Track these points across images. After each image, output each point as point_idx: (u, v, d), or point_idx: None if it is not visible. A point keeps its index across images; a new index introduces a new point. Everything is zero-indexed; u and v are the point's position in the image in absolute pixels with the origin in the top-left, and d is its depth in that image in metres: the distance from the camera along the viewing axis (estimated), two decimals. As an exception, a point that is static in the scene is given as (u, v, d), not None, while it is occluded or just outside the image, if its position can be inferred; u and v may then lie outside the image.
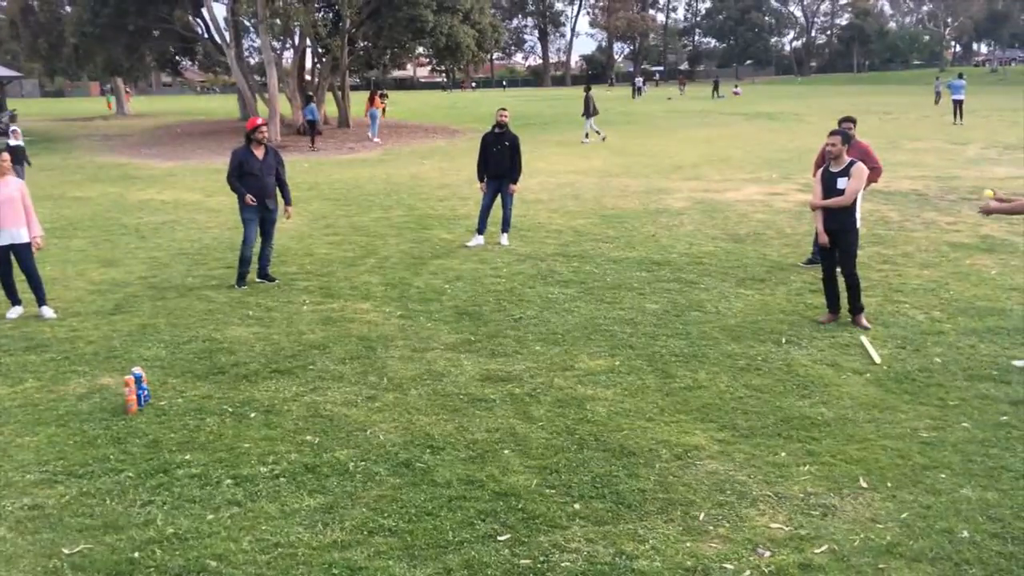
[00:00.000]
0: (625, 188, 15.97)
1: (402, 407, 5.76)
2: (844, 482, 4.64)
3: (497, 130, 10.91)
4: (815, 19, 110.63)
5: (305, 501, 4.50)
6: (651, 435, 5.25)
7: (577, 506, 4.41)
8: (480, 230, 11.05)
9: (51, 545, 4.09)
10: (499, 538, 4.12)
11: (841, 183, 7.21)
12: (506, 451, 5.06)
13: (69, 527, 4.25)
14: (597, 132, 26.62)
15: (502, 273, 9.50)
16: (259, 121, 8.96)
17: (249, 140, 8.88)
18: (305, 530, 4.21)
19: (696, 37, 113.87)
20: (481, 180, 11.08)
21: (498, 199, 11.04)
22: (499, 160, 10.84)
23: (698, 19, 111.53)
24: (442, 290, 8.82)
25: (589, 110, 26.60)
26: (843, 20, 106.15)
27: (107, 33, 28.73)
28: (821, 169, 7.52)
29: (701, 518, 4.30)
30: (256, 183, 8.78)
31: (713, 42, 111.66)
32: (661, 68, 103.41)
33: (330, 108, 35.24)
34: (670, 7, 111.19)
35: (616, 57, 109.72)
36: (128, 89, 60.14)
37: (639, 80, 65.36)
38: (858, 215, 7.29)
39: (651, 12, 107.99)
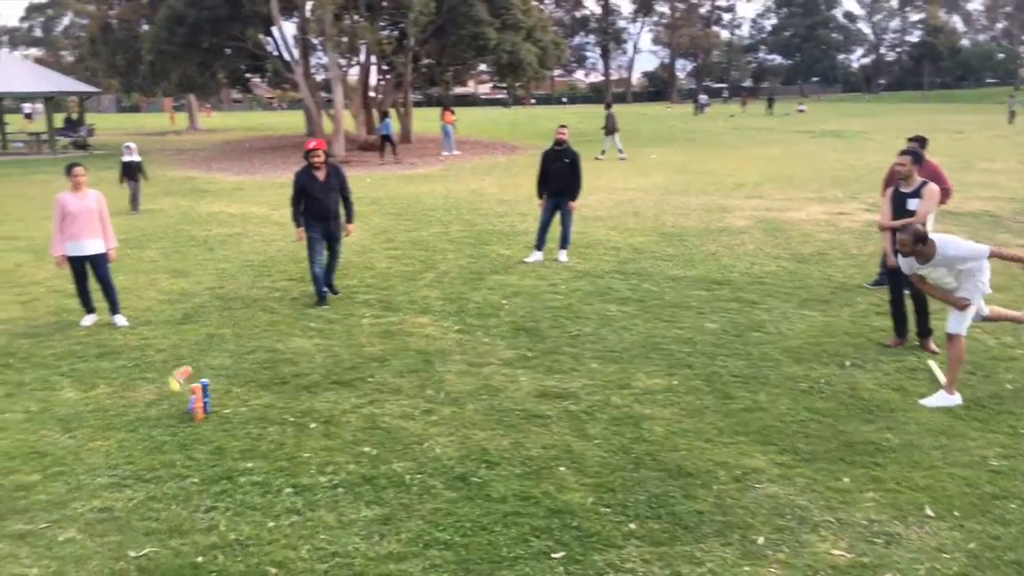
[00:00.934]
0: (685, 206, 15.85)
1: (459, 421, 5.80)
2: (909, 510, 4.53)
3: (557, 147, 10.95)
4: (884, 36, 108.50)
5: (362, 512, 4.56)
6: (709, 456, 5.19)
7: (633, 526, 4.38)
8: (539, 246, 11.09)
9: (119, 547, 4.21)
10: (553, 555, 4.12)
11: (912, 204, 7.06)
12: (562, 468, 5.05)
13: (136, 530, 4.38)
14: (619, 151, 26.69)
15: (560, 289, 9.51)
16: (311, 144, 8.95)
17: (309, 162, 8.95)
18: (362, 540, 4.26)
19: (761, 54, 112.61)
20: (540, 197, 11.13)
21: (557, 216, 11.07)
22: (559, 177, 10.88)
23: (763, 36, 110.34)
24: (500, 305, 8.86)
25: (610, 127, 26.79)
26: (914, 37, 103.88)
27: (182, 51, 29.64)
28: (891, 189, 7.37)
29: (760, 542, 4.23)
30: (318, 205, 8.84)
31: (778, 59, 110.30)
32: (725, 85, 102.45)
33: (393, 124, 35.74)
34: (735, 24, 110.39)
35: (678, 74, 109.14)
36: (207, 105, 62.01)
37: (703, 97, 64.87)
38: (928, 237, 7.12)
39: (715, 29, 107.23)
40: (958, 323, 6.12)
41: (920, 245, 6.02)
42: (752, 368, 6.79)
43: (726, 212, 15.01)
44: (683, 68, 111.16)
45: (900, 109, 58.58)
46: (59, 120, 38.34)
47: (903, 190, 7.17)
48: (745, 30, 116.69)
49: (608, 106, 29.07)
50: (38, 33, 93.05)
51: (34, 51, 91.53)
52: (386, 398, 6.26)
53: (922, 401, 6.05)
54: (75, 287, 8.32)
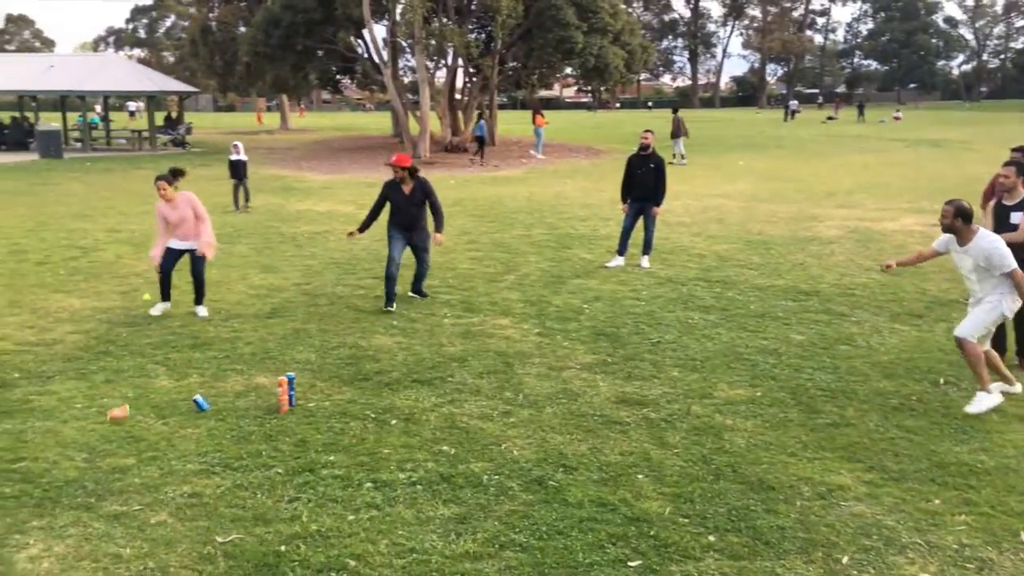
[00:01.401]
0: (773, 214, 15.53)
1: (536, 424, 5.80)
2: (1003, 535, 4.33)
3: (642, 152, 10.86)
4: (987, 42, 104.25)
5: (440, 510, 4.60)
6: (792, 471, 5.07)
7: (712, 538, 4.31)
8: (621, 251, 11.02)
9: (206, 532, 4.36)
10: (630, 564, 4.08)
11: (1015, 217, 6.75)
12: (640, 476, 5.01)
13: (223, 517, 4.52)
14: (681, 156, 26.71)
15: (641, 296, 9.43)
16: (393, 159, 8.81)
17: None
18: (439, 538, 4.31)
19: (855, 59, 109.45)
20: (624, 201, 11.06)
21: (640, 221, 10.98)
22: (643, 182, 10.80)
23: (859, 40, 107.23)
24: (580, 310, 8.83)
25: (678, 131, 26.96)
26: (1018, 44, 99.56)
27: (277, 53, 30.50)
28: (993, 202, 7.07)
29: (844, 562, 4.11)
30: (402, 216, 8.82)
31: (874, 64, 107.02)
32: (816, 90, 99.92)
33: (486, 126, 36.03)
34: (829, 28, 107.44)
35: (769, 79, 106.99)
36: (301, 105, 63.71)
37: (793, 103, 63.44)
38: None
39: (808, 33, 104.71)
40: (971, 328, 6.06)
41: (960, 221, 5.96)
42: (840, 382, 6.60)
43: (815, 221, 14.65)
44: (773, 73, 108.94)
45: (1002, 118, 56.12)
46: (160, 118, 39.91)
47: (1006, 203, 6.86)
48: (840, 34, 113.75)
49: (675, 110, 29.43)
50: (142, 34, 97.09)
51: (137, 52, 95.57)
52: (465, 398, 6.31)
53: (967, 409, 5.96)
54: (160, 273, 8.61)
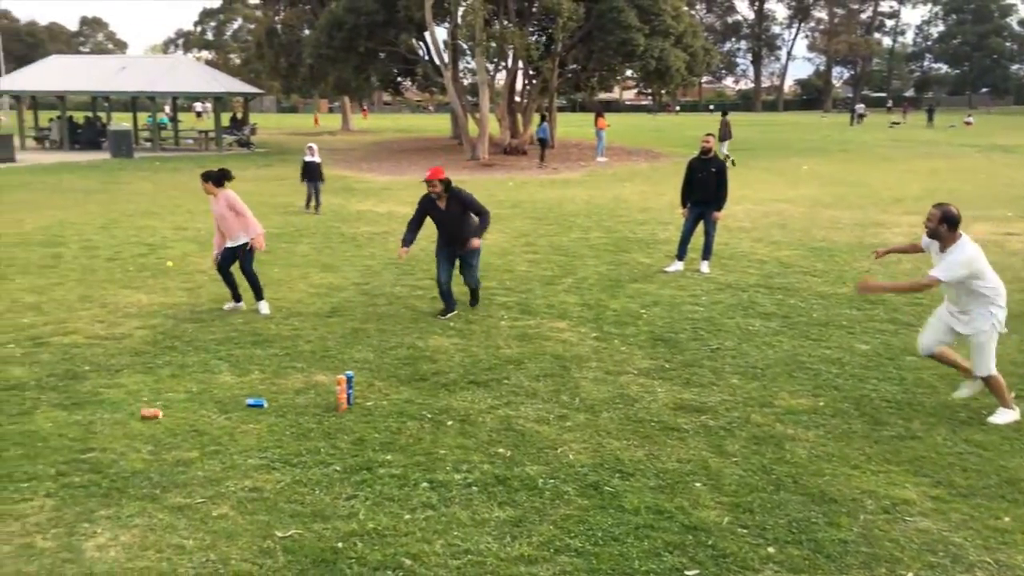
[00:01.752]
0: (837, 220, 15.21)
1: (593, 429, 5.77)
2: (1080, 559, 4.16)
3: (703, 156, 10.72)
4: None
5: (495, 512, 4.61)
6: (855, 484, 4.95)
7: (771, 550, 4.23)
8: (680, 256, 10.90)
9: (266, 527, 4.43)
10: (687, 573, 4.03)
11: None
12: (697, 484, 4.94)
13: (283, 512, 4.59)
14: (727, 156, 26.71)
15: (701, 301, 9.31)
16: (428, 175, 8.46)
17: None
18: (494, 540, 4.31)
19: (925, 63, 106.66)
20: (684, 206, 10.94)
21: (700, 226, 10.85)
22: (704, 186, 10.65)
23: (929, 43, 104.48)
24: (638, 314, 8.77)
25: (723, 134, 27.40)
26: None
27: (339, 55, 30.94)
28: None
29: (908, 579, 4.00)
30: (442, 230, 8.61)
31: (944, 68, 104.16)
32: (884, 94, 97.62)
33: (535, 129, 36.08)
34: (898, 31, 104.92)
35: (834, 82, 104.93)
36: (365, 107, 64.61)
37: (860, 106, 62.08)
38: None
39: (876, 36, 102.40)
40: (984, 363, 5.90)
41: (945, 227, 5.81)
42: (906, 394, 6.43)
43: (882, 228, 14.31)
44: (839, 76, 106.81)
45: (1081, 123, 54.14)
46: (225, 119, 40.81)
47: None
48: (909, 37, 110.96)
49: (724, 114, 29.74)
50: (210, 36, 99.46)
51: (205, 54, 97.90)
52: (521, 401, 6.30)
53: (990, 419, 5.90)
54: (219, 272, 8.92)
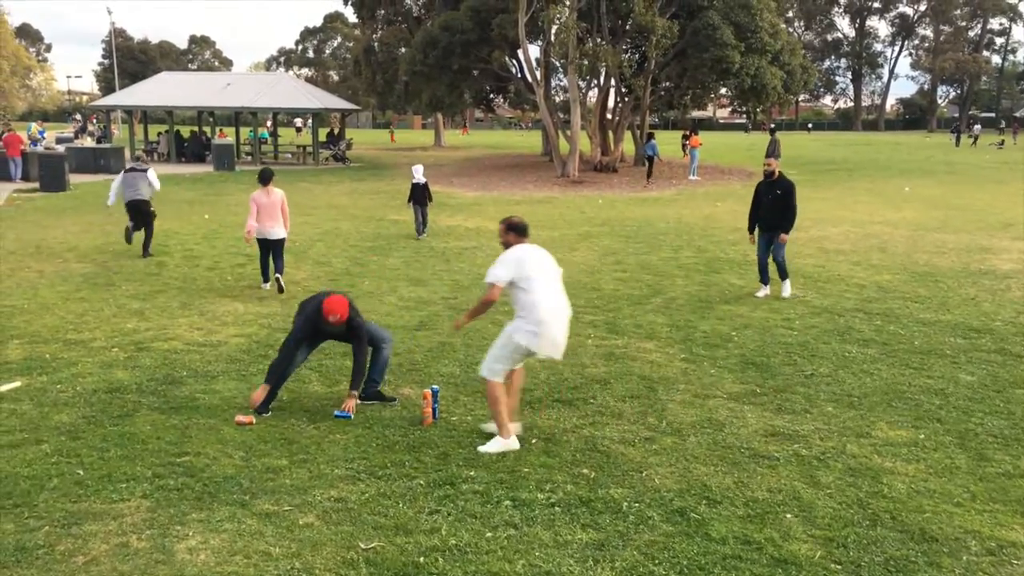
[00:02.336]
0: (941, 244, 14.60)
1: (680, 453, 5.65)
2: None
3: (768, 179, 10.49)
4: None
5: (578, 534, 4.54)
6: (958, 522, 4.69)
7: (866, 588, 4.04)
8: (763, 281, 10.61)
9: (350, 538, 4.47)
10: (775, 608, 3.88)
11: None
12: (788, 515, 4.77)
13: (366, 523, 4.63)
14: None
15: (794, 325, 9.05)
16: (328, 309, 6.30)
17: None
18: (576, 563, 4.24)
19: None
20: (751, 231, 10.66)
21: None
22: (771, 209, 10.40)
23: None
24: (729, 336, 8.57)
25: (772, 152, 26.93)
26: None
27: (433, 72, 31.45)
28: None
29: (1017, 628, 3.75)
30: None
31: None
32: (992, 114, 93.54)
33: (627, 146, 35.88)
34: (1009, 48, 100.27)
35: (939, 101, 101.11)
36: (466, 124, 65.77)
37: (977, 127, 59.71)
38: None
39: (985, 54, 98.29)
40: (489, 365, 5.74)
41: (506, 233, 5.90)
42: (1015, 429, 6.08)
43: (989, 253, 13.66)
44: (945, 95, 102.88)
45: None
46: (322, 134, 41.98)
47: None
48: (1021, 55, 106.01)
49: (773, 132, 30.06)
50: (310, 54, 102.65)
51: (305, 71, 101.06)
52: (607, 421, 6.22)
53: (481, 448, 5.63)
54: (260, 260, 10.87)
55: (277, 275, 10.64)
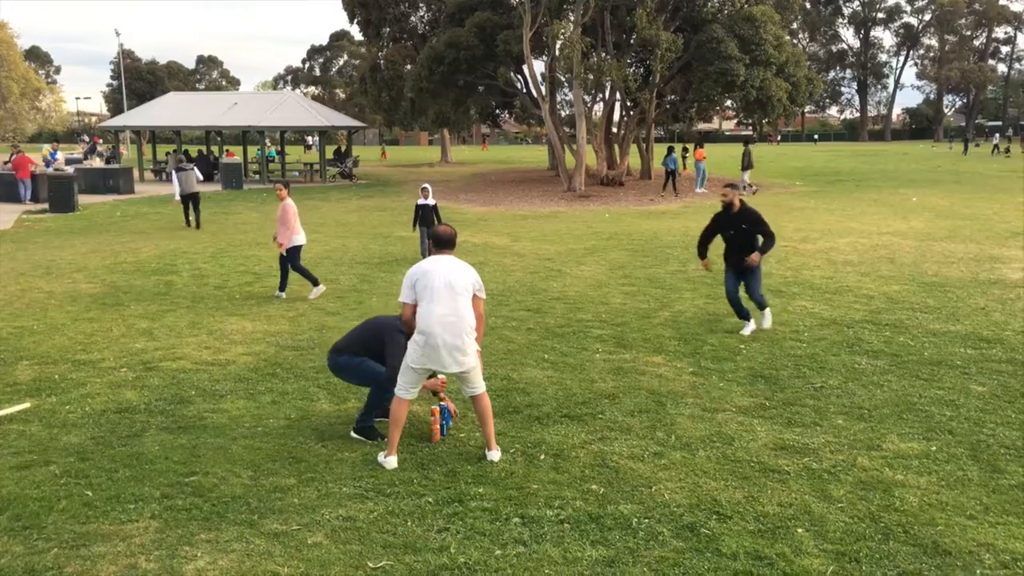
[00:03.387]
0: (950, 254, 14.54)
1: (689, 467, 5.62)
2: None
3: (728, 211, 9.15)
4: None
5: (587, 551, 4.51)
6: (971, 535, 4.65)
7: (879, 603, 4.00)
8: (743, 316, 9.32)
9: (359, 557, 4.45)
10: (788, 624, 3.84)
11: None
12: (799, 529, 4.73)
13: (375, 542, 4.61)
14: (748, 185, 27.95)
15: (803, 337, 9.01)
16: None
17: None
18: (586, 581, 4.21)
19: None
20: (702, 257, 9.58)
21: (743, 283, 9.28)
22: (737, 246, 9.14)
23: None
24: (737, 350, 8.54)
25: (744, 163, 28.52)
26: None
27: (439, 89, 31.61)
28: None
29: (1033, 643, 3.71)
30: None
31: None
32: (999, 123, 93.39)
33: (633, 160, 35.92)
34: (1014, 57, 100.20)
35: (945, 111, 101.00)
36: (485, 141, 66.22)
37: (996, 137, 60.11)
38: None
39: (991, 63, 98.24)
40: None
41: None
42: (1027, 440, 6.03)
43: (998, 263, 13.60)
44: (951, 104, 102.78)
45: None
46: (329, 151, 42.14)
47: None
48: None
49: (746, 143, 30.78)
50: (317, 72, 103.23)
51: (312, 89, 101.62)
52: (615, 436, 6.19)
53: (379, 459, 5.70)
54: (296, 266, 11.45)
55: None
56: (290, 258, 11.43)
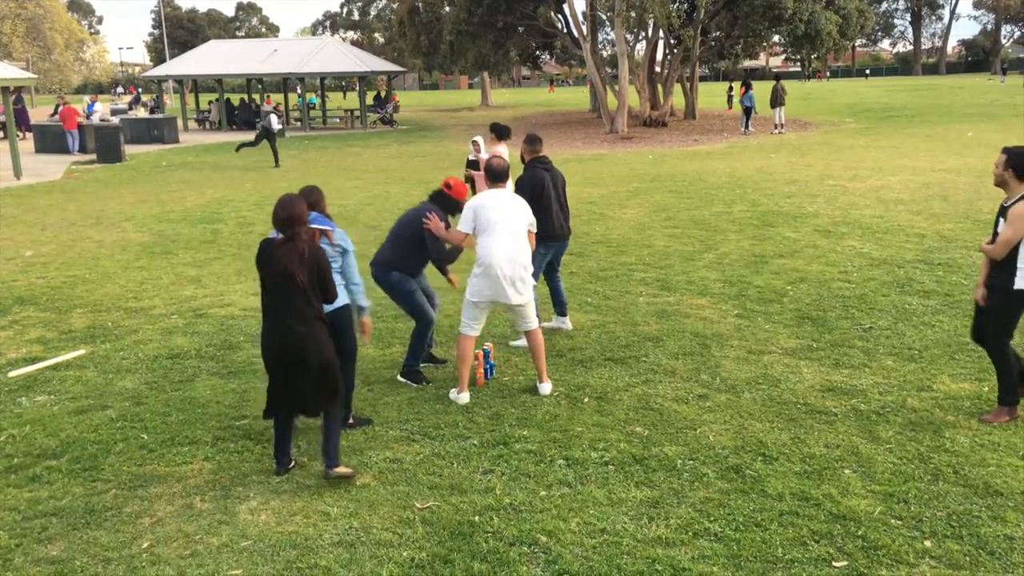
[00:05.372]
0: (1006, 190, 14.09)
1: (734, 409, 5.59)
2: None
3: (541, 163, 7.34)
4: None
5: (632, 492, 4.53)
6: (1024, 476, 4.58)
7: (928, 543, 3.97)
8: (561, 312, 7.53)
9: (406, 497, 4.53)
10: (834, 564, 3.84)
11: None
12: (846, 471, 4.70)
13: (421, 483, 4.68)
14: (781, 125, 27.80)
15: (852, 278, 8.85)
16: None
17: None
18: (631, 521, 4.24)
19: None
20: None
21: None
22: (561, 207, 7.30)
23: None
24: (783, 291, 8.42)
25: (774, 100, 28.01)
26: None
27: (479, 30, 31.18)
28: None
29: (1086, 584, 3.66)
30: None
31: None
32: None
33: (677, 100, 35.24)
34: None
35: (1003, 41, 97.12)
36: (553, 83, 64.97)
37: None
38: None
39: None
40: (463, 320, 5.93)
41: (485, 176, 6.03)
42: (1084, 380, 5.88)
43: (1057, 198, 13.14)
44: (1009, 35, 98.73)
45: None
46: (369, 97, 41.99)
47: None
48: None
49: (777, 79, 30.60)
50: (356, 17, 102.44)
51: (351, 34, 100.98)
52: (659, 379, 6.18)
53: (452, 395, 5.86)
54: None
55: None
56: None
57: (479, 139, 13.02)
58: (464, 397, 5.83)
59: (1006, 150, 5.22)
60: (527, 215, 5.95)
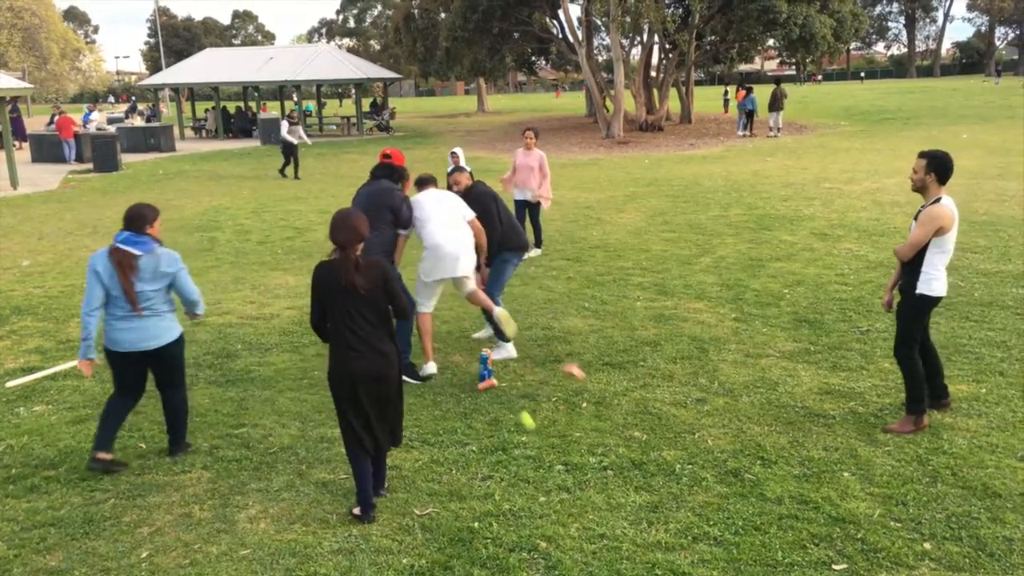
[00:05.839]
0: (1002, 191, 14.13)
1: (732, 413, 5.59)
2: None
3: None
4: None
5: (631, 497, 4.54)
6: (1022, 477, 4.58)
7: (927, 545, 3.98)
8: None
9: (405, 505, 4.53)
10: (834, 567, 3.84)
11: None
12: (845, 473, 4.70)
13: (420, 490, 4.68)
14: (777, 128, 27.96)
15: (849, 280, 8.86)
16: None
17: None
18: (630, 526, 4.24)
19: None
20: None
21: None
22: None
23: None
24: (780, 294, 8.43)
25: (772, 104, 28.25)
26: None
27: (474, 36, 31.20)
28: None
29: (1085, 584, 3.66)
30: None
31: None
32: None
33: (673, 104, 35.28)
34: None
35: (997, 43, 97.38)
36: (558, 90, 64.81)
37: None
38: None
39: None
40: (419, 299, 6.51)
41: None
42: (1081, 381, 5.90)
43: (1052, 199, 13.19)
44: (1004, 37, 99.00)
45: None
46: (366, 104, 42.02)
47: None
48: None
49: (777, 83, 30.25)
50: (351, 24, 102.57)
51: (346, 41, 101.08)
52: (658, 383, 6.18)
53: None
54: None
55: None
56: (538, 210, 11.10)
57: (458, 150, 12.05)
58: (431, 367, 6.46)
59: (923, 154, 5.30)
60: (460, 205, 6.62)
